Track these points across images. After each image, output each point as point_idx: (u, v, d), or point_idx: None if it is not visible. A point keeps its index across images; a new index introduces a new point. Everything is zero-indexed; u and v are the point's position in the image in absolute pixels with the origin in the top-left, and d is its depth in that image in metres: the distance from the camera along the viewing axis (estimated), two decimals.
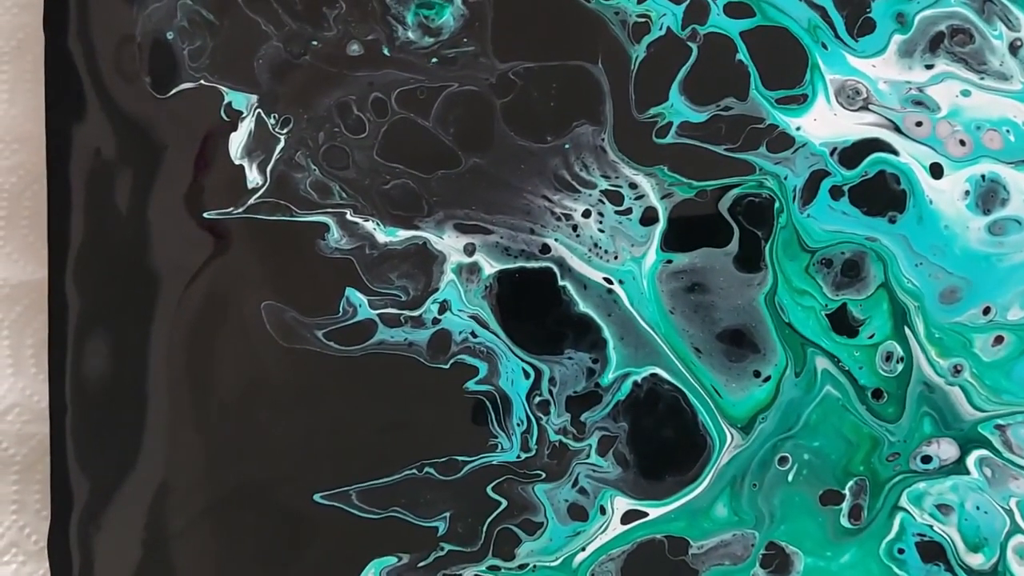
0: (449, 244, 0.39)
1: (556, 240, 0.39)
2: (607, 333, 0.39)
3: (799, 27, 0.39)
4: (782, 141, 0.39)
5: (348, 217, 0.39)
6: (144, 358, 0.39)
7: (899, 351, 0.39)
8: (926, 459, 0.39)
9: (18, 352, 0.43)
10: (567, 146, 0.39)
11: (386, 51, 0.39)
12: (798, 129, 0.39)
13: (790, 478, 0.39)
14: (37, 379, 0.42)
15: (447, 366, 0.39)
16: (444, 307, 0.39)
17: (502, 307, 0.39)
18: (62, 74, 0.39)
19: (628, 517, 0.39)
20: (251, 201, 0.39)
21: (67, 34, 0.39)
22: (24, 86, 0.43)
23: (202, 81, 0.39)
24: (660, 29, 0.39)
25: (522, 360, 0.39)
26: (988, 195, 0.38)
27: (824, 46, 0.39)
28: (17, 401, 0.42)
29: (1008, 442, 0.38)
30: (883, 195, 0.39)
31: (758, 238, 0.39)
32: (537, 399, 0.39)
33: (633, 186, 0.39)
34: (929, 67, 0.39)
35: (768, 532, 0.39)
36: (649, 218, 0.39)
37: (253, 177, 0.39)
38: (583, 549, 0.39)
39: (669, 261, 0.39)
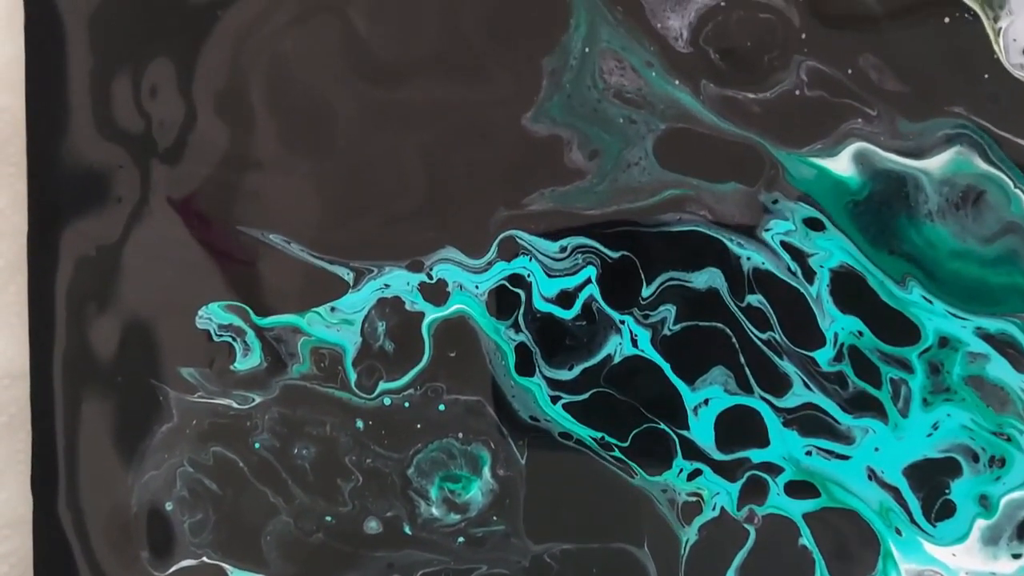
0: None
1: None
2: None
3: (869, 510, 0.35)
4: None
5: None
6: None
7: None
8: None
9: None
10: None
11: (407, 529, 0.37)
12: None
13: None
14: None
15: None
16: None
17: None
18: (52, 546, 0.37)
19: None
20: None
21: (56, 501, 0.37)
22: (16, 467, 0.40)
23: (204, 558, 0.37)
24: (713, 509, 0.36)
25: None
26: None
27: (898, 531, 0.35)
28: None
29: None
30: None
31: None
32: None
33: None
34: (1017, 556, 0.35)
35: None
36: None
37: None
38: None
39: None
